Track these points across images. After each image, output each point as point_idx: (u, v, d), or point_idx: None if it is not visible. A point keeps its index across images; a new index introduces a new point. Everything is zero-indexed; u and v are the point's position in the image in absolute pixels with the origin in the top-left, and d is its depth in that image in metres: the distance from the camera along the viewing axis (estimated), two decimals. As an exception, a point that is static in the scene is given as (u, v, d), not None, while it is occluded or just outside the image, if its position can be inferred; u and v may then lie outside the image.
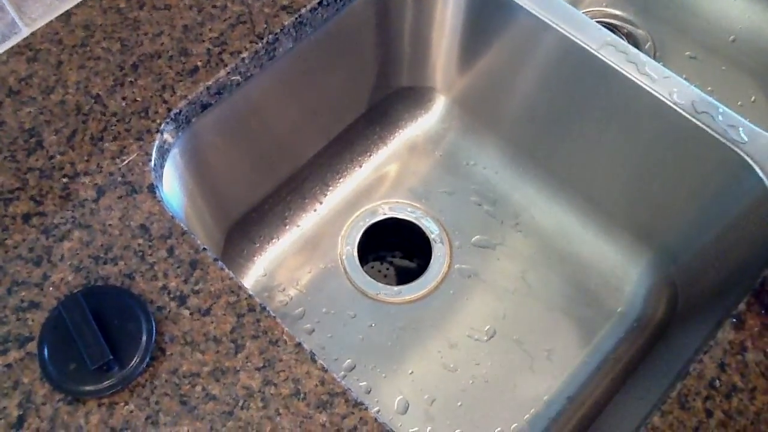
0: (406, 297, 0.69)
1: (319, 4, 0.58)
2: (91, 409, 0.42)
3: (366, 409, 0.42)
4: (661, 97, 0.57)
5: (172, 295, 0.45)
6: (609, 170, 0.68)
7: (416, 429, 0.63)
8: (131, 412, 0.41)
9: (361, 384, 0.65)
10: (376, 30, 0.68)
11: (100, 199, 0.49)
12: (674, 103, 0.57)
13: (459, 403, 0.65)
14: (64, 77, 0.54)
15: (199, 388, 0.42)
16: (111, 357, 0.40)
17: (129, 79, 0.54)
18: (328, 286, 0.70)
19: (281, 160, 0.71)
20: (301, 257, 0.71)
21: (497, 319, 0.68)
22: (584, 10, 0.87)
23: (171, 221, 0.48)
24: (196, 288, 0.45)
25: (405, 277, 0.74)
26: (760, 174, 0.54)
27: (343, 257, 0.71)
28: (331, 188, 0.76)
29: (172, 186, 0.53)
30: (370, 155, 0.77)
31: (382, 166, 0.77)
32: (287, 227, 0.72)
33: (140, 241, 0.47)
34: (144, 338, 0.42)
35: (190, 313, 0.44)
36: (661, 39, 0.86)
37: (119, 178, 0.50)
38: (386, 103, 0.77)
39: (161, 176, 0.52)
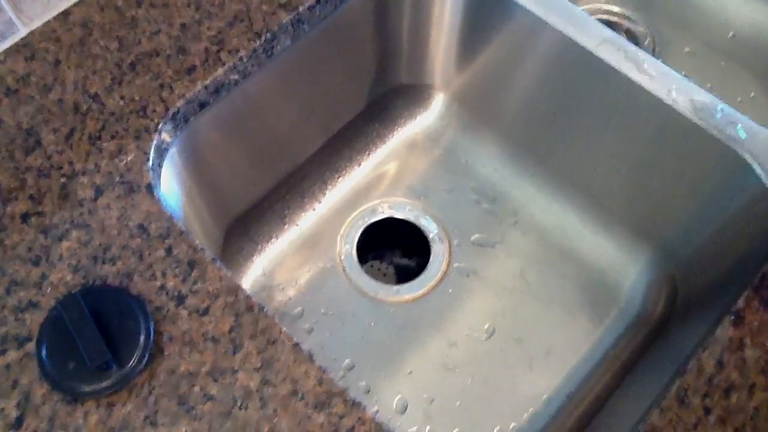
0: (405, 296, 0.69)
1: (317, 1, 0.58)
2: (89, 409, 0.42)
3: (364, 409, 0.42)
4: (660, 95, 0.57)
5: (170, 295, 0.45)
6: (608, 167, 0.67)
7: (415, 428, 0.63)
8: (129, 412, 0.41)
9: (360, 384, 0.65)
10: (375, 27, 0.68)
11: (98, 199, 0.49)
12: (673, 101, 0.57)
13: (458, 403, 0.65)
14: (62, 76, 0.54)
15: (197, 389, 0.42)
16: (110, 356, 0.40)
17: (127, 78, 0.54)
18: (327, 286, 0.70)
19: (280, 158, 0.71)
20: (300, 256, 0.71)
21: (496, 318, 0.68)
22: (583, 7, 0.87)
23: (169, 220, 0.48)
24: (195, 288, 0.45)
25: (404, 275, 0.74)
26: (759, 171, 0.54)
27: (342, 256, 0.71)
28: (330, 187, 0.75)
29: (171, 185, 0.53)
30: (369, 153, 0.77)
31: (381, 164, 0.77)
32: (286, 226, 0.72)
33: (138, 240, 0.47)
34: (142, 338, 0.42)
35: (189, 313, 0.44)
36: (661, 35, 0.86)
37: (117, 178, 0.50)
38: (385, 100, 0.77)
39: (159, 175, 0.52)
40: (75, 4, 0.57)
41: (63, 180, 0.49)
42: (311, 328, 0.67)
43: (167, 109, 0.53)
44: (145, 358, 0.42)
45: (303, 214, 0.73)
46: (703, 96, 0.57)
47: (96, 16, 0.57)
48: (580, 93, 0.63)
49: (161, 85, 0.54)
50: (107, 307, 0.42)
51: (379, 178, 0.77)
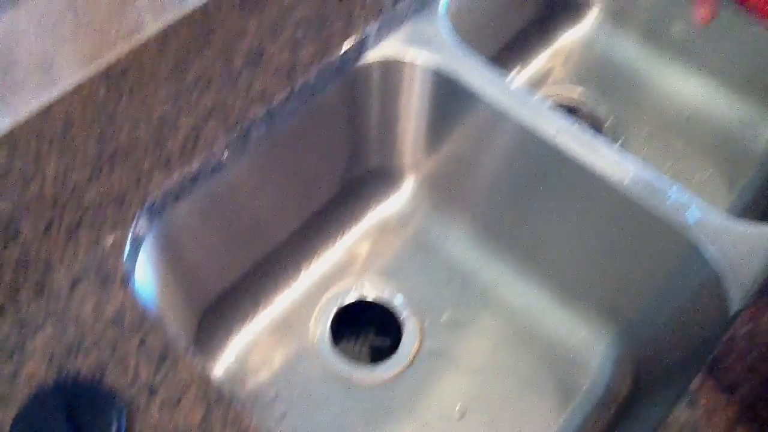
0: (378, 378, 0.70)
1: (290, 95, 0.61)
2: (59, 504, 0.42)
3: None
4: (614, 180, 0.60)
5: (142, 387, 0.46)
6: (570, 249, 0.70)
7: None
8: (100, 506, 0.42)
9: (332, 467, 0.66)
10: (346, 115, 0.71)
11: (74, 291, 0.50)
12: (626, 186, 0.60)
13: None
14: (42, 169, 0.56)
15: (168, 480, 0.43)
16: (80, 452, 0.41)
17: (106, 170, 0.56)
18: (301, 368, 0.71)
19: (255, 242, 0.73)
20: (274, 339, 0.72)
21: (467, 399, 0.69)
22: (545, 91, 0.92)
23: (143, 312, 0.49)
24: (167, 379, 0.46)
25: (379, 355, 0.75)
26: (708, 255, 0.57)
27: (316, 338, 0.73)
28: (304, 268, 0.77)
29: (146, 275, 0.55)
30: (343, 235, 0.79)
31: (355, 245, 0.79)
32: (260, 309, 0.73)
33: (112, 332, 0.48)
34: None
35: (160, 405, 0.45)
36: (621, 117, 0.91)
37: (93, 269, 0.51)
38: (358, 183, 0.80)
39: (135, 266, 0.53)
40: (58, 99, 0.60)
41: (40, 272, 0.51)
42: (284, 412, 0.68)
43: (144, 201, 0.54)
44: (117, 452, 0.42)
45: (277, 296, 0.75)
46: (655, 180, 0.60)
47: (78, 110, 0.59)
48: (541, 178, 0.66)
49: (139, 177, 0.56)
50: (79, 402, 0.43)
51: (353, 259, 0.79)
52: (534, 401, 0.69)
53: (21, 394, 0.45)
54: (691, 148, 0.89)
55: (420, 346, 0.73)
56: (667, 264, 0.61)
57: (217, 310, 0.71)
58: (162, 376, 0.46)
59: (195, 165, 0.57)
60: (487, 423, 0.68)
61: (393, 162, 0.79)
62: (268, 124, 0.61)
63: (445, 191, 0.79)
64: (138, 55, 0.63)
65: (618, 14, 0.96)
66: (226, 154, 0.59)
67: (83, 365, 0.46)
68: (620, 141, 0.88)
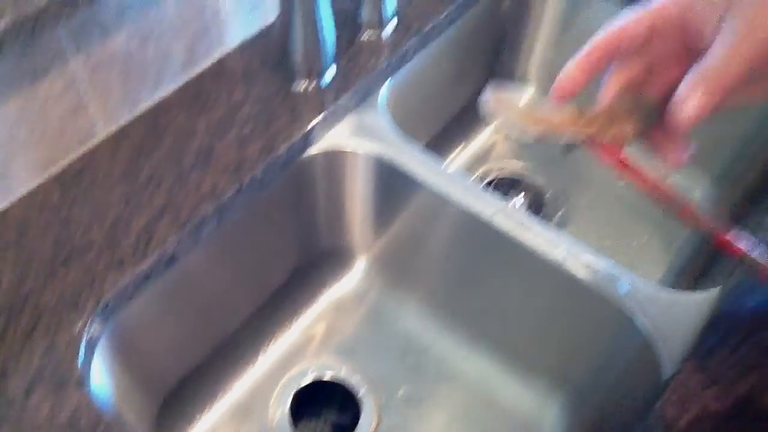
0: (335, 459, 0.71)
1: (239, 190, 0.64)
2: None
3: None
4: (549, 257, 0.64)
5: (98, 490, 0.47)
6: (517, 321, 0.73)
7: None
8: None
9: None
10: (295, 204, 0.74)
11: (29, 396, 0.51)
12: (561, 262, 0.63)
13: None
14: (-3, 274, 0.58)
15: None
16: None
17: (60, 274, 0.58)
18: (260, 453, 0.72)
19: (212, 329, 0.74)
20: (234, 424, 0.73)
21: (425, 473, 0.71)
22: (489, 166, 0.96)
23: (99, 413, 0.50)
24: (122, 481, 0.47)
25: (339, 433, 0.76)
26: (641, 323, 0.60)
27: (276, 421, 0.74)
28: (261, 352, 0.79)
29: (102, 375, 0.56)
30: (298, 317, 0.82)
31: (311, 326, 0.81)
32: (220, 395, 0.75)
33: (67, 436, 0.49)
34: None
35: (116, 507, 0.46)
36: (561, 188, 0.95)
37: (49, 373, 0.52)
38: (311, 265, 0.82)
39: (90, 367, 0.54)
40: (12, 206, 0.62)
41: (-5, 379, 0.52)
42: (244, 500, 0.68)
43: (98, 302, 0.56)
44: None
45: (236, 381, 0.76)
46: (588, 255, 0.63)
47: (32, 216, 0.61)
48: (483, 256, 0.70)
49: (93, 279, 0.58)
50: None
51: (309, 340, 0.81)
52: (490, 473, 0.71)
53: (-24, 505, 0.46)
54: (629, 214, 0.94)
55: (378, 424, 0.74)
56: (605, 334, 0.64)
57: (176, 399, 0.71)
58: (117, 479, 0.47)
59: (148, 263, 0.59)
60: (445, 498, 0.69)
61: (343, 244, 0.82)
62: (219, 219, 0.64)
63: (396, 270, 0.82)
64: (91, 158, 0.65)
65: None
66: (178, 250, 0.61)
67: (39, 472, 0.47)
68: (561, 211, 0.93)
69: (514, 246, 0.65)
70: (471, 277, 0.74)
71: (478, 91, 0.97)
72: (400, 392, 0.77)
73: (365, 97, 0.73)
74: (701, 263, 0.85)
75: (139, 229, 0.61)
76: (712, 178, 0.93)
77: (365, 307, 0.83)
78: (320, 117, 0.69)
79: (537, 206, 0.94)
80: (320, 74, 0.70)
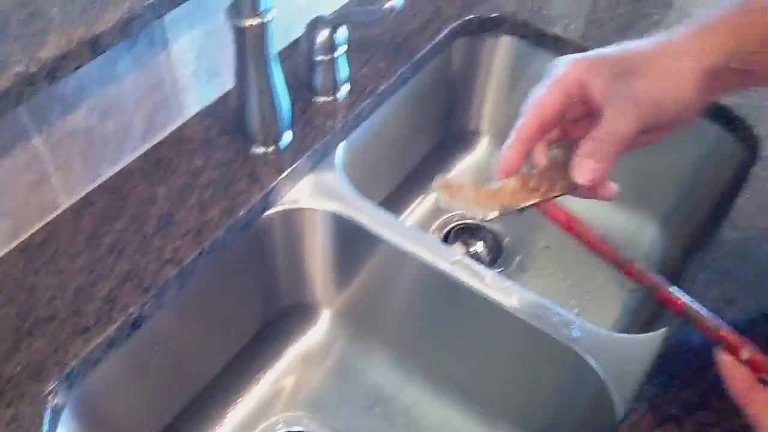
0: None
1: (200, 254, 0.66)
2: None
3: None
4: (503, 305, 0.66)
5: None
6: (479, 368, 0.75)
7: None
8: None
9: None
10: (257, 263, 0.76)
11: (-7, 469, 0.52)
12: (514, 309, 0.66)
13: None
14: (-39, 348, 0.58)
15: None
16: None
17: (24, 344, 0.59)
18: None
19: (179, 389, 0.75)
20: (202, 485, 0.74)
21: None
22: (448, 217, 0.99)
23: (63, 483, 0.51)
24: None
25: (308, 487, 0.77)
26: (594, 367, 0.62)
27: (244, 479, 0.74)
28: (230, 408, 0.80)
29: (66, 443, 0.57)
30: (266, 371, 0.83)
31: (278, 380, 0.83)
32: (188, 455, 0.75)
33: (32, 508, 0.50)
34: None
35: None
36: (519, 235, 0.99)
37: (13, 445, 0.53)
38: (276, 320, 0.84)
39: (55, 436, 0.55)
40: (-24, 276, 0.63)
41: (-41, 453, 0.52)
42: None
43: (62, 371, 0.57)
44: None
45: (205, 440, 0.77)
46: (540, 303, 0.66)
47: (-4, 287, 0.63)
48: (443, 306, 0.72)
49: (56, 348, 0.59)
50: None
51: (277, 394, 0.82)
52: None
53: None
54: (585, 258, 0.96)
55: (347, 476, 0.75)
56: (561, 378, 0.66)
57: (144, 462, 0.72)
58: None
59: (112, 329, 0.60)
60: None
61: (307, 298, 0.84)
62: (182, 283, 0.65)
63: (360, 321, 0.84)
64: (54, 227, 0.67)
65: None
66: (142, 315, 0.62)
67: None
68: (519, 256, 0.96)
69: (470, 295, 0.68)
70: (433, 327, 0.76)
71: (434, 146, 1.02)
72: (368, 443, 0.78)
73: (322, 157, 0.76)
74: (653, 304, 0.88)
75: (102, 295, 0.62)
76: (660, 219, 0.97)
77: (332, 360, 0.84)
78: (279, 179, 0.71)
79: (496, 253, 0.97)
80: (277, 138, 0.72)
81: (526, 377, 0.71)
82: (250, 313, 0.80)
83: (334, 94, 0.78)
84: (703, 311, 0.48)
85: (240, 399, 0.81)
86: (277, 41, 0.83)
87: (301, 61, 0.78)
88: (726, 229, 0.70)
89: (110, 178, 0.70)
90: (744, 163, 0.80)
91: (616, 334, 0.64)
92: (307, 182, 0.74)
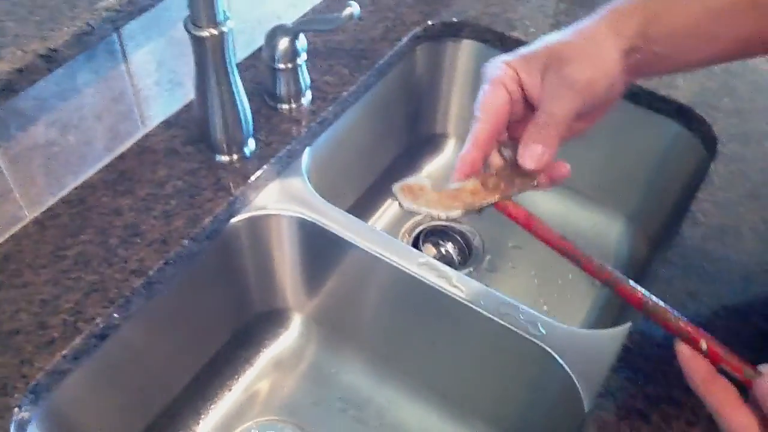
0: None
1: (166, 264, 0.66)
2: None
3: None
4: (470, 305, 0.67)
5: None
6: (451, 368, 0.76)
7: None
8: None
9: None
10: (225, 270, 0.76)
11: (-42, 486, 0.51)
12: (481, 308, 0.66)
13: None
14: (-75, 366, 0.58)
15: None
16: None
17: (-11, 359, 0.59)
18: None
19: (151, 398, 0.75)
20: (175, 494, 0.74)
21: None
22: (417, 219, 1.00)
23: (29, 497, 0.51)
24: None
25: (284, 493, 0.77)
26: (561, 361, 0.63)
27: (218, 487, 0.74)
28: (203, 416, 0.80)
29: (33, 457, 0.57)
30: (239, 377, 0.83)
31: (252, 385, 0.83)
32: (161, 464, 0.75)
33: None
34: None
35: None
36: (488, 235, 0.99)
37: (-22, 461, 0.53)
38: (248, 326, 0.84)
39: (21, 451, 0.55)
40: (-61, 294, 0.63)
41: (-76, 471, 0.52)
42: None
43: (27, 384, 0.57)
44: None
45: (179, 448, 0.77)
46: (505, 302, 0.67)
47: (-40, 303, 0.62)
48: (413, 308, 0.73)
49: (21, 362, 0.58)
50: None
51: (251, 400, 0.82)
52: None
53: None
54: (553, 255, 0.98)
55: (321, 480, 0.75)
56: (530, 375, 0.67)
57: (117, 473, 0.72)
58: None
59: (78, 341, 0.60)
60: None
61: (278, 304, 0.84)
62: (148, 293, 0.65)
63: (332, 325, 0.84)
64: (18, 240, 0.67)
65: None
66: (108, 326, 0.62)
67: None
68: (489, 256, 0.97)
69: (438, 296, 0.68)
70: (404, 328, 0.77)
71: (402, 150, 1.03)
72: (342, 447, 0.78)
73: (288, 164, 0.76)
74: (622, 300, 0.90)
75: (68, 308, 0.62)
76: (626, 217, 0.98)
77: (304, 364, 0.84)
78: (243, 186, 0.72)
79: (467, 253, 0.98)
80: (241, 146, 0.73)
81: (496, 375, 0.72)
82: (222, 320, 0.80)
83: (297, 101, 0.79)
84: (662, 305, 0.49)
85: (213, 405, 0.81)
86: (239, 50, 0.84)
87: (264, 69, 0.78)
88: (687, 225, 0.71)
89: (74, 190, 0.70)
90: (704, 160, 0.81)
91: (582, 330, 0.66)
92: (273, 189, 0.75)
